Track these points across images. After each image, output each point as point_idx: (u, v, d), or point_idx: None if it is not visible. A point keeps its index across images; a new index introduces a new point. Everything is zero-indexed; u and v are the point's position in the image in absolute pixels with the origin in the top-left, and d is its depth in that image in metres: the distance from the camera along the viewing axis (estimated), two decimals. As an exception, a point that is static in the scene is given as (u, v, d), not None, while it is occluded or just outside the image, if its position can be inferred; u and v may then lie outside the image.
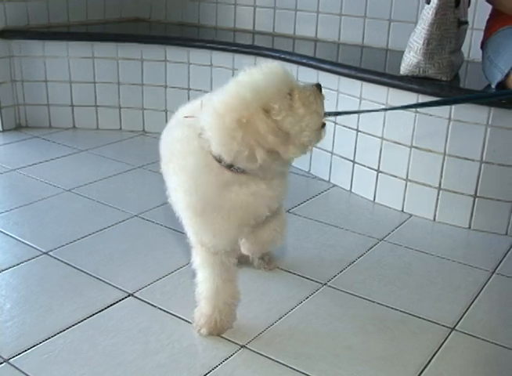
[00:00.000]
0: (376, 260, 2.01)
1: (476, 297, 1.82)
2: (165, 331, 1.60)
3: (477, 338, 1.63)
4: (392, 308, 1.74)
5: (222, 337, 1.58)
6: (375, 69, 2.46)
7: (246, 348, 1.54)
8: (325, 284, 1.86)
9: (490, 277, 1.94)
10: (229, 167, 1.39)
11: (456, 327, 1.67)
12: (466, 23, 2.34)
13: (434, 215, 2.31)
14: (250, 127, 1.31)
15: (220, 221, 1.45)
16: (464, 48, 2.46)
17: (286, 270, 1.91)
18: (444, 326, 1.68)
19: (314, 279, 1.88)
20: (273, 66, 1.39)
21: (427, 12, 2.16)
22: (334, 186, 2.62)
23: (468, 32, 2.42)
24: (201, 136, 1.39)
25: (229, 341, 1.57)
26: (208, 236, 1.48)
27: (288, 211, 2.33)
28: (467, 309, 1.76)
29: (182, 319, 1.65)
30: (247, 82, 1.36)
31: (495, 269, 1.99)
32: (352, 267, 1.96)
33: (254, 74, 1.37)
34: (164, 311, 1.69)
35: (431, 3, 2.15)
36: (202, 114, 1.40)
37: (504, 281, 1.92)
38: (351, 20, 3.06)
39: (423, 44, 2.17)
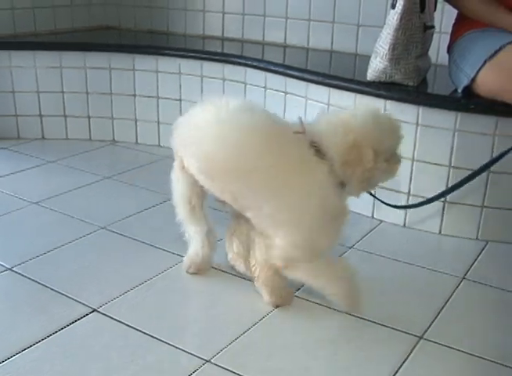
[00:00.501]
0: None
1: (445, 304, 1.81)
2: (129, 347, 1.57)
3: (445, 346, 1.62)
4: (360, 317, 1.72)
5: (186, 351, 1.55)
6: (343, 75, 2.44)
7: (211, 362, 1.51)
8: (298, 290, 1.83)
9: (460, 283, 1.93)
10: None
11: (425, 336, 1.66)
12: (433, 27, 2.34)
13: (405, 221, 2.29)
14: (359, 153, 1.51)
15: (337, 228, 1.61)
16: (432, 53, 2.45)
17: (251, 281, 1.89)
18: (412, 334, 1.66)
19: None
20: (399, 125, 1.64)
21: (393, 18, 2.15)
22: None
23: (436, 36, 2.42)
24: (318, 153, 1.54)
25: (194, 355, 1.54)
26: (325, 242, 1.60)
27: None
28: (436, 317, 1.75)
29: (147, 334, 1.62)
30: (379, 123, 1.57)
31: (465, 274, 1.98)
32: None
33: (389, 122, 1.61)
34: (129, 326, 1.66)
35: (396, 8, 2.15)
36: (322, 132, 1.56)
37: (474, 287, 1.92)
38: (320, 25, 3.05)
39: (389, 49, 2.16)
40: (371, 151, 1.52)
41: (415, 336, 1.65)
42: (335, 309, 1.75)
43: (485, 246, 2.16)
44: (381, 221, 2.34)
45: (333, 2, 2.99)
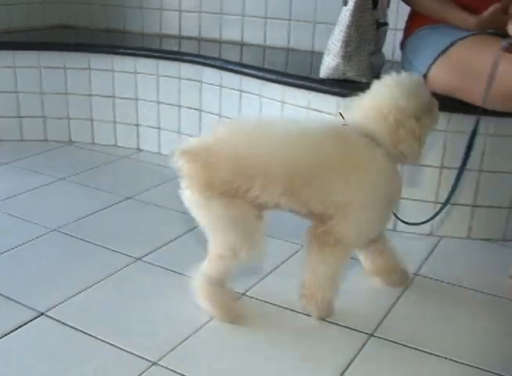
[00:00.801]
0: (299, 267, 1.97)
1: (397, 300, 1.81)
2: (75, 350, 1.54)
3: (395, 342, 1.62)
4: (310, 316, 1.71)
5: (133, 354, 1.53)
6: (299, 72, 2.43)
7: (159, 365, 1.49)
8: (243, 294, 1.81)
9: (413, 280, 1.92)
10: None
11: (375, 333, 1.65)
12: (386, 24, 2.33)
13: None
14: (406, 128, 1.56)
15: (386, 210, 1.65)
16: (388, 49, 2.45)
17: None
18: (362, 332, 1.65)
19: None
20: (419, 78, 1.67)
21: (345, 15, 2.15)
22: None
23: (391, 33, 2.42)
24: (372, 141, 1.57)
25: (141, 358, 1.52)
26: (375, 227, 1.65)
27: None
28: (387, 314, 1.74)
29: (94, 337, 1.59)
30: (403, 90, 1.59)
31: (418, 270, 1.98)
32: (270, 275, 1.92)
33: (407, 84, 1.62)
34: (76, 329, 1.63)
35: (348, 5, 2.14)
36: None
37: (426, 282, 1.91)
38: (277, 23, 3.04)
39: (342, 46, 2.15)
40: (413, 120, 1.57)
41: (366, 333, 1.64)
42: (285, 308, 1.73)
43: (439, 242, 2.16)
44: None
45: (289, 0, 2.96)
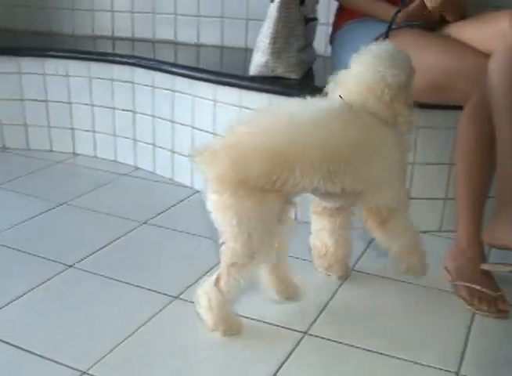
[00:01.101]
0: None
1: (332, 297, 1.80)
2: (2, 363, 1.50)
3: (329, 340, 1.61)
4: (245, 317, 1.69)
5: (61, 363, 1.49)
6: (231, 70, 2.42)
7: (88, 374, 1.46)
8: (177, 298, 1.79)
9: (349, 274, 1.92)
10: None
11: (309, 331, 1.64)
12: (315, 19, 2.33)
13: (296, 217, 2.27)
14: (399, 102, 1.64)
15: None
16: (320, 44, 2.44)
17: (136, 285, 1.84)
18: (296, 330, 1.64)
19: (166, 293, 1.81)
20: (395, 47, 1.69)
21: (272, 11, 2.13)
22: (197, 192, 2.56)
23: (323, 27, 2.41)
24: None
25: (70, 367, 1.48)
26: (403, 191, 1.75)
27: (146, 222, 2.25)
28: (321, 312, 1.73)
29: (23, 349, 1.55)
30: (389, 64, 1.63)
31: (354, 265, 1.98)
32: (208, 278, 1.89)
33: (388, 56, 1.65)
34: (3, 341, 1.58)
35: (275, 1, 2.12)
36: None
37: (360, 277, 1.91)
38: (209, 21, 3.01)
39: (270, 43, 2.14)
40: (403, 91, 1.64)
41: (300, 332, 1.63)
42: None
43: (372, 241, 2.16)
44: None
45: (221, -3, 2.95)
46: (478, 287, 1.78)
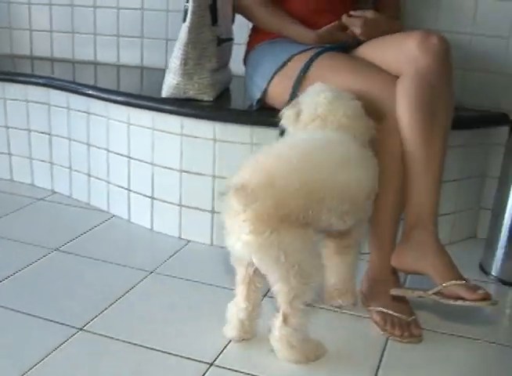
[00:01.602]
0: (141, 296, 1.90)
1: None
2: None
3: (237, 371, 1.56)
4: (151, 348, 1.63)
5: None
6: (147, 92, 2.37)
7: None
8: (81, 329, 1.71)
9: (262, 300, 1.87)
10: None
11: (215, 362, 1.58)
12: (230, 39, 2.29)
13: (211, 240, 2.23)
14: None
15: None
16: (239, 65, 2.39)
17: (40, 317, 1.76)
18: (202, 362, 1.58)
19: (69, 324, 1.73)
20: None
21: (182, 31, 2.08)
22: (114, 216, 2.49)
23: (243, 48, 2.35)
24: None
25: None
26: None
27: (58, 248, 2.18)
28: (231, 340, 1.68)
29: None
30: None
31: (268, 291, 1.93)
32: (114, 307, 1.83)
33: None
34: None
35: (186, 22, 2.08)
36: None
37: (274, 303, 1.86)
38: (129, 41, 2.95)
39: (180, 64, 2.10)
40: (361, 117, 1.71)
41: (206, 363, 1.57)
42: (127, 342, 1.65)
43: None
44: (188, 241, 2.27)
45: (140, 17, 2.89)
46: (391, 312, 1.76)
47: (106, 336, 1.68)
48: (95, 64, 3.03)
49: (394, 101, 1.76)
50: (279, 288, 1.51)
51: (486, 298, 1.53)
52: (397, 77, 1.79)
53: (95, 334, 1.69)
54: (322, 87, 1.72)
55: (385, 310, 1.77)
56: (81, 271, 2.05)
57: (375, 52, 1.90)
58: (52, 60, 3.11)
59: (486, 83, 2.39)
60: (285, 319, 1.54)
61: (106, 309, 1.82)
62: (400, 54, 1.79)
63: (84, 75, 2.82)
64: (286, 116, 1.73)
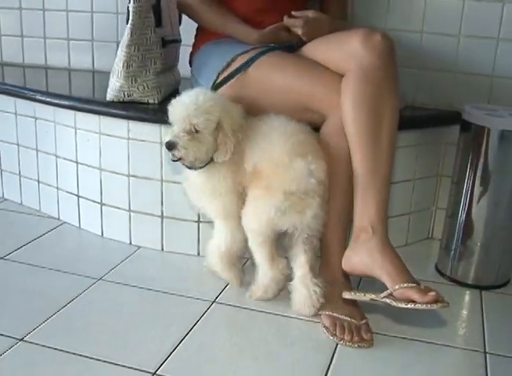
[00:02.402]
0: (85, 304, 1.85)
1: (188, 333, 1.71)
2: None
3: (178, 380, 1.51)
4: (92, 358, 1.59)
5: None
6: (96, 96, 2.33)
7: None
8: (21, 340, 1.66)
9: (209, 307, 1.83)
10: None
11: (158, 372, 1.54)
12: (176, 41, 2.25)
13: (162, 245, 2.19)
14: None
15: None
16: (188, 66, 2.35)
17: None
18: (145, 371, 1.54)
19: (9, 334, 1.68)
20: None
21: (125, 33, 2.04)
22: (64, 223, 2.44)
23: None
24: None
25: None
26: None
27: (4, 257, 2.12)
28: (175, 348, 1.64)
29: None
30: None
31: (216, 298, 1.89)
32: (57, 316, 1.78)
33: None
34: None
35: (129, 23, 2.03)
36: None
37: (223, 310, 1.83)
38: (79, 45, 2.90)
39: (123, 66, 2.05)
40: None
41: (148, 372, 1.54)
42: (68, 352, 1.60)
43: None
44: (139, 247, 2.23)
45: (90, 20, 2.84)
46: (342, 316, 1.72)
47: (46, 346, 1.63)
48: (46, 69, 2.96)
49: (338, 100, 1.73)
50: None
51: (438, 300, 1.50)
52: (342, 76, 1.76)
53: (35, 344, 1.63)
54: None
55: (335, 314, 1.74)
56: (23, 280, 1.98)
57: (319, 51, 1.87)
58: (2, 65, 3.04)
59: (438, 81, 2.37)
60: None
61: (49, 318, 1.77)
62: (344, 52, 1.76)
63: (34, 80, 2.76)
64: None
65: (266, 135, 1.72)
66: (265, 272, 1.80)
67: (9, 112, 2.57)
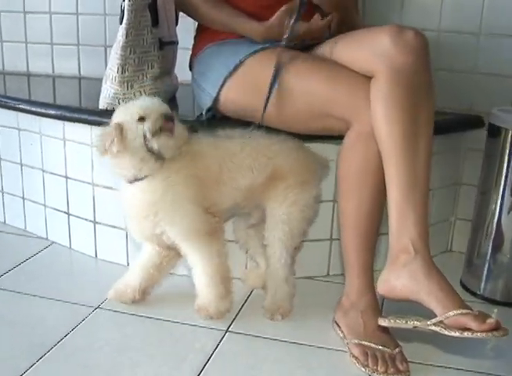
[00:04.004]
0: (85, 339, 1.65)
1: (202, 368, 1.52)
2: None
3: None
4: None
5: None
6: (85, 104, 2.17)
7: None
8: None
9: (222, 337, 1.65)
10: None
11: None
12: (174, 43, 2.07)
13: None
14: None
15: None
16: (186, 71, 2.17)
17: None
18: None
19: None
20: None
21: (119, 34, 1.85)
22: (53, 243, 2.24)
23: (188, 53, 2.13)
24: None
25: None
26: None
27: (-12, 284, 1.92)
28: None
29: None
30: None
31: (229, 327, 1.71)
32: (52, 354, 1.58)
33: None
34: None
35: (123, 23, 1.85)
36: None
37: (237, 339, 1.65)
38: (64, 50, 2.70)
39: (118, 71, 1.87)
40: None
41: None
42: None
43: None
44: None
45: (75, 22, 2.65)
46: (373, 345, 1.55)
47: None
48: (28, 75, 2.76)
49: (363, 105, 1.55)
50: None
51: (497, 327, 1.32)
52: (368, 78, 1.58)
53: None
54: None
55: (365, 343, 1.56)
56: (10, 310, 1.80)
57: (341, 50, 1.70)
58: (-20, 72, 2.84)
59: (456, 83, 2.22)
60: None
61: (43, 356, 1.58)
62: (371, 51, 1.59)
63: (15, 87, 2.57)
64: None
65: None
66: None
67: (-11, 123, 2.37)
